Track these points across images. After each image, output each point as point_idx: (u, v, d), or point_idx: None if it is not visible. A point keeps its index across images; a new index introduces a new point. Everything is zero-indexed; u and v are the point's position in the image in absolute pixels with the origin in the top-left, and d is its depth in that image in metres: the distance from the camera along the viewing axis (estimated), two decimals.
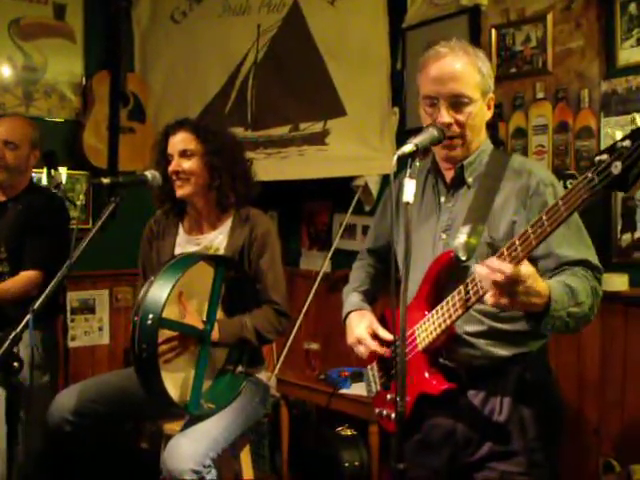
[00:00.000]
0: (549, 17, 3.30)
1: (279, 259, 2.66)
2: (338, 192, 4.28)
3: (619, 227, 3.08)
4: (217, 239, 2.67)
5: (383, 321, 2.10)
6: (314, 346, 4.14)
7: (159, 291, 2.30)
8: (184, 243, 2.72)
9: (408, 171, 1.71)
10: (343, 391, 3.70)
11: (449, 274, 1.90)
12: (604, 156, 1.40)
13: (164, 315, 2.30)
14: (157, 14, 4.46)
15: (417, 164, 1.73)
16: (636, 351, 3.01)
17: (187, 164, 2.61)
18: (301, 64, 4.16)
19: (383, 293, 2.29)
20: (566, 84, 3.25)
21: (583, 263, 1.83)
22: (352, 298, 2.24)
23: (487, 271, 1.58)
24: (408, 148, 1.74)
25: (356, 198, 4.17)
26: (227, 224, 2.68)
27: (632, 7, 3.04)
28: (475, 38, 3.56)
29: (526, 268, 1.59)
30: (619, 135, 1.38)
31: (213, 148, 2.62)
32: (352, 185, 4.14)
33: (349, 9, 4.07)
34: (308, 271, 4.59)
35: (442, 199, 2.03)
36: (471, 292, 1.75)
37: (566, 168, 3.24)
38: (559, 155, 3.28)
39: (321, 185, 4.21)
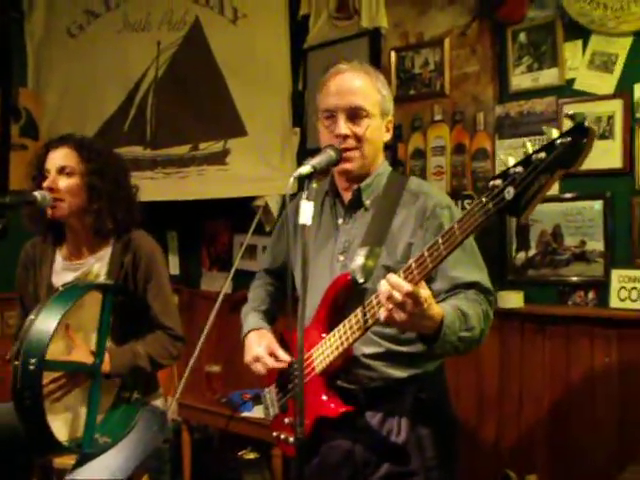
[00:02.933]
0: (446, 42, 3.40)
1: (167, 282, 2.55)
2: (239, 212, 4.24)
3: (514, 246, 3.18)
4: (96, 265, 2.51)
5: (282, 341, 2.08)
6: (215, 368, 4.06)
7: (42, 330, 2.13)
8: (61, 270, 2.54)
9: (305, 193, 1.70)
10: (245, 414, 3.64)
11: (347, 296, 1.89)
12: (498, 181, 1.42)
13: (48, 356, 2.14)
14: (52, 27, 4.29)
15: (314, 186, 1.72)
16: (531, 366, 3.10)
17: (64, 182, 2.43)
18: (202, 83, 4.11)
19: (283, 312, 2.26)
20: (463, 107, 3.36)
21: (476, 286, 1.85)
22: (251, 318, 2.19)
23: (387, 286, 1.58)
24: (305, 170, 1.72)
25: (257, 218, 4.14)
26: (107, 250, 2.52)
27: (522, 36, 3.19)
28: (375, 60, 3.62)
29: (424, 291, 1.60)
30: (511, 161, 1.41)
31: (95, 168, 2.45)
32: (252, 205, 4.11)
33: (251, 28, 4.07)
34: (209, 292, 4.52)
35: (340, 221, 2.02)
36: (368, 315, 1.74)
37: (463, 189, 3.33)
38: (457, 176, 3.36)
39: (221, 205, 4.16)
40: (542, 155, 1.36)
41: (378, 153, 2.01)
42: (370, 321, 1.74)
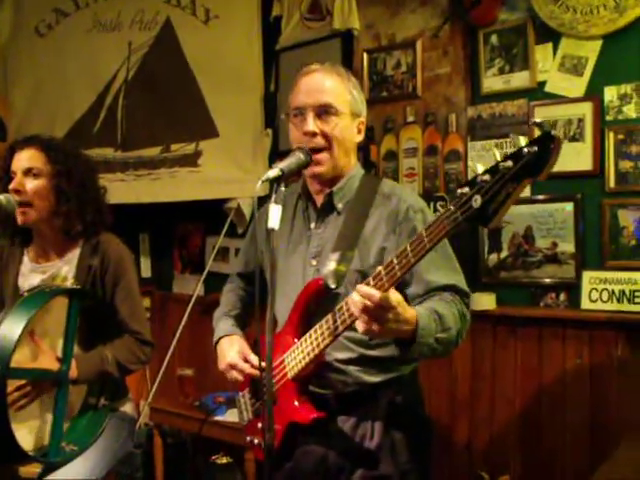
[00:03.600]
0: (418, 44, 3.40)
1: (136, 286, 2.51)
2: (211, 214, 4.21)
3: (486, 248, 3.18)
4: (64, 268, 2.47)
5: (257, 346, 2.05)
6: (188, 372, 4.02)
7: (6, 337, 2.08)
8: (28, 272, 2.50)
9: (273, 196, 1.69)
10: (218, 417, 3.60)
11: (319, 301, 1.88)
12: (465, 189, 1.42)
13: (13, 363, 2.09)
14: (20, 26, 4.19)
15: (283, 189, 1.70)
16: (503, 368, 3.11)
17: (31, 184, 2.38)
18: (173, 84, 4.06)
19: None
20: (435, 109, 3.35)
21: (451, 288, 1.85)
22: (223, 323, 2.17)
23: (358, 297, 1.57)
24: (273, 173, 1.71)
25: (229, 221, 4.12)
26: (75, 253, 2.48)
27: (494, 38, 3.20)
28: (348, 62, 3.61)
29: (394, 295, 1.58)
30: (480, 168, 1.41)
31: (63, 170, 2.40)
32: (225, 207, 4.08)
33: (223, 29, 4.04)
34: (181, 295, 4.50)
35: (312, 225, 2.00)
36: (339, 321, 1.73)
37: (436, 190, 3.33)
38: (429, 177, 3.36)
39: (194, 207, 4.13)
40: (509, 164, 1.36)
41: (350, 155, 1.99)
42: (340, 327, 1.74)
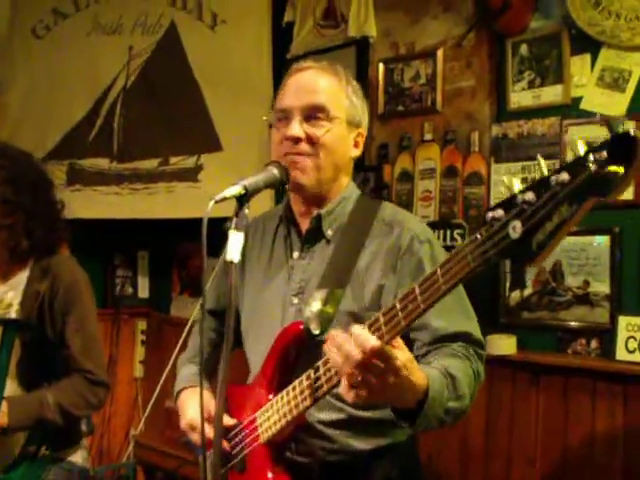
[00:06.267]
0: (439, 53, 3.19)
1: (91, 316, 2.22)
2: (213, 234, 3.92)
3: (507, 284, 2.92)
4: (9, 293, 2.19)
5: (226, 402, 1.73)
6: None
7: None
8: None
9: (233, 221, 1.40)
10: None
11: (299, 350, 1.56)
12: (499, 212, 1.07)
13: None
14: (16, 27, 4.03)
15: (246, 212, 1.41)
16: (523, 422, 2.82)
17: None
18: (175, 92, 3.89)
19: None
20: (456, 126, 3.13)
21: (463, 337, 1.53)
22: (187, 371, 1.87)
23: (349, 345, 1.21)
24: (232, 191, 1.41)
25: (229, 241, 3.83)
26: (22, 276, 2.20)
27: (523, 48, 2.98)
28: (362, 72, 3.42)
29: (403, 353, 1.24)
30: (517, 184, 1.05)
31: (8, 177, 2.15)
32: (225, 227, 3.79)
33: (231, 36, 3.87)
34: (178, 318, 4.25)
35: (295, 254, 1.70)
36: (323, 379, 1.40)
37: (454, 216, 3.08)
38: (447, 202, 3.11)
39: (195, 225, 3.84)
40: (564, 177, 1.00)
41: (341, 171, 1.68)
42: (325, 386, 1.40)
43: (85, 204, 3.74)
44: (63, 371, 2.14)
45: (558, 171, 1.00)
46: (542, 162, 1.05)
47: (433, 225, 2.94)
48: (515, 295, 2.89)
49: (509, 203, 1.05)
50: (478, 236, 1.08)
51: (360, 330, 1.21)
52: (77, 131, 3.97)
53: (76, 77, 3.97)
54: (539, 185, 1.02)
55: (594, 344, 2.71)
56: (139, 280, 4.52)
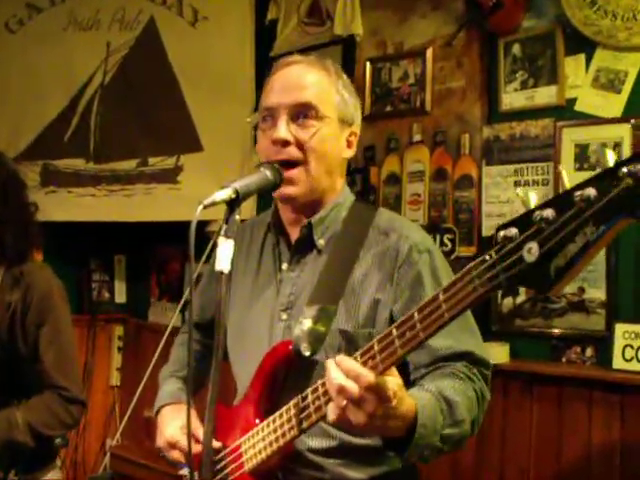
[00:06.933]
0: (429, 53, 3.11)
1: (67, 328, 2.10)
2: (186, 237, 3.83)
3: (499, 291, 2.78)
4: None
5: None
6: None
7: None
8: None
9: (223, 227, 1.28)
10: (183, 471, 3.15)
11: (288, 371, 1.46)
12: (512, 230, 0.97)
13: None
14: None
15: (237, 217, 1.29)
16: (515, 433, 2.74)
17: None
18: (154, 90, 3.81)
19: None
20: (445, 127, 3.05)
21: (465, 356, 1.42)
22: (168, 386, 1.75)
23: (338, 373, 1.14)
24: (221, 196, 1.29)
25: (210, 245, 3.72)
26: None
27: (516, 48, 2.91)
28: (349, 71, 3.23)
29: (393, 380, 1.16)
30: (534, 198, 0.94)
31: None
32: (206, 231, 3.70)
33: (212, 32, 3.80)
34: (157, 324, 4.18)
35: (284, 266, 1.59)
36: (311, 407, 1.30)
37: (443, 221, 3.01)
38: (436, 205, 3.04)
39: (174, 229, 3.75)
40: (591, 192, 0.89)
41: (334, 174, 1.57)
42: (313, 417, 1.30)
43: (60, 206, 3.65)
44: (35, 388, 2.00)
45: (583, 185, 0.89)
46: (564, 173, 0.94)
47: None
48: (507, 302, 2.82)
49: (524, 221, 0.95)
50: (487, 257, 0.99)
51: (353, 363, 1.14)
52: (52, 130, 3.87)
53: (51, 74, 3.87)
54: (560, 201, 0.92)
55: (589, 352, 2.65)
56: (116, 285, 4.43)
